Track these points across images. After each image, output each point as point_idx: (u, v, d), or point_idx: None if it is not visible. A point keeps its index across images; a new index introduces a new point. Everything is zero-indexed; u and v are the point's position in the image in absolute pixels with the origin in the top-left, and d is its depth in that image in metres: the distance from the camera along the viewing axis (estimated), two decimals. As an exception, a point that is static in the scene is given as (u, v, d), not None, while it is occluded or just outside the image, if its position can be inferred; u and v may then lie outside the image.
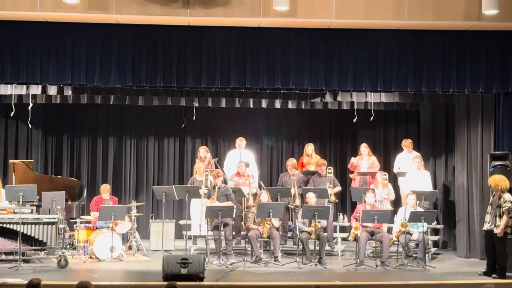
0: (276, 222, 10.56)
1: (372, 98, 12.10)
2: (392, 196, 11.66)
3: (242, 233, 11.44)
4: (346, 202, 13.37)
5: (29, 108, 12.06)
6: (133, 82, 10.31)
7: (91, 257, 10.47)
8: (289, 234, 11.85)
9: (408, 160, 12.07)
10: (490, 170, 10.54)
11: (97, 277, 9.12)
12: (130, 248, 11.08)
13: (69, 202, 11.49)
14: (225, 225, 10.43)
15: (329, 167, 11.87)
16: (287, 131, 13.98)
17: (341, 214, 12.01)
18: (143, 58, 10.31)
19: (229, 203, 10.54)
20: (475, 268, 10.09)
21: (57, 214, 10.28)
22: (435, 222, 11.49)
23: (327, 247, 10.94)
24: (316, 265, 10.20)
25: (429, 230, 10.82)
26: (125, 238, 11.20)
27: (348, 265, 10.26)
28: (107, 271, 9.69)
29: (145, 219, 12.55)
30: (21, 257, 9.77)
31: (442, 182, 12.61)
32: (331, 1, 9.93)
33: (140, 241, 11.33)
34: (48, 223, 10.20)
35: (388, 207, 11.28)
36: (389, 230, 11.07)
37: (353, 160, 12.35)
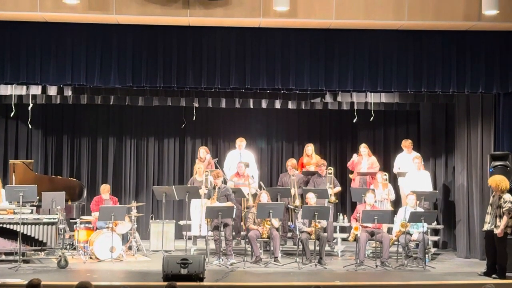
0: (276, 223, 10.56)
1: (372, 98, 12.10)
2: (392, 196, 11.66)
3: (242, 233, 11.44)
4: (346, 203, 13.36)
5: (29, 108, 12.07)
6: (133, 82, 10.31)
7: (91, 258, 10.47)
8: (289, 234, 11.85)
9: (408, 160, 12.07)
10: (490, 170, 10.54)
11: (97, 278, 9.12)
12: (130, 248, 11.07)
13: (69, 203, 11.48)
14: (225, 225, 10.43)
15: (330, 167, 11.87)
16: (287, 132, 13.98)
17: (341, 214, 12.01)
18: (143, 59, 10.31)
19: (229, 204, 10.54)
20: (475, 269, 10.09)
21: (57, 214, 10.28)
22: (435, 223, 11.50)
23: (327, 248, 10.94)
24: (316, 265, 10.20)
25: (429, 230, 10.81)
26: (125, 238, 11.20)
27: (348, 265, 10.26)
28: (107, 271, 9.69)
29: (145, 219, 12.55)
30: (21, 257, 9.77)
31: (442, 183, 12.62)
32: (331, 1, 9.93)
33: (140, 241, 11.33)
34: (48, 224, 10.21)
35: (388, 207, 11.28)
36: (389, 231, 11.07)
37: (354, 158, 12.33)
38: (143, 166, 13.69)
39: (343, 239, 11.60)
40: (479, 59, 10.53)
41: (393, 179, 12.29)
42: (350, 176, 12.49)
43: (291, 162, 11.92)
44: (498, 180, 9.57)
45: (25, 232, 10.04)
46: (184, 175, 13.58)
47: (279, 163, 13.83)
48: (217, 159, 12.56)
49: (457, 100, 11.75)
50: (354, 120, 12.73)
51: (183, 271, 8.81)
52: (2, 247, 10.14)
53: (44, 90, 11.56)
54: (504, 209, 9.39)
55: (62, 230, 10.37)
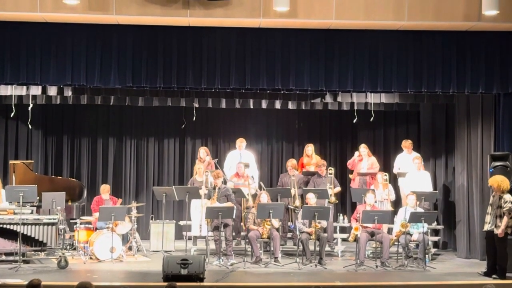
0: (276, 223, 10.56)
1: (372, 98, 12.10)
2: (393, 196, 11.67)
3: (242, 233, 11.44)
4: (346, 203, 13.36)
5: (29, 108, 12.07)
6: (133, 82, 10.31)
7: (91, 258, 10.47)
8: (289, 234, 11.85)
9: (408, 160, 12.07)
10: (490, 170, 10.54)
11: (97, 278, 9.12)
12: (130, 248, 11.07)
13: (69, 203, 11.48)
14: (225, 225, 10.43)
15: (330, 167, 11.87)
16: (287, 132, 13.97)
17: (341, 214, 12.00)
18: (143, 59, 10.31)
19: (229, 204, 10.54)
20: (475, 269, 10.09)
21: (57, 214, 10.28)
22: (435, 223, 11.50)
23: (327, 248, 10.94)
24: (316, 265, 10.19)
25: (429, 230, 10.80)
26: (125, 238, 11.20)
27: (348, 265, 10.26)
28: (107, 271, 9.69)
29: (145, 219, 12.55)
30: (21, 257, 9.77)
31: (442, 183, 12.61)
32: (331, 1, 9.93)
33: (140, 241, 11.33)
34: (48, 224, 10.20)
35: (388, 207, 11.28)
36: (389, 231, 11.07)
37: (355, 156, 12.32)
38: (143, 167, 13.69)
39: (343, 240, 11.60)
40: (479, 59, 10.53)
41: (393, 180, 12.29)
42: (350, 176, 12.49)
43: (291, 162, 11.93)
44: (499, 181, 9.58)
45: (25, 233, 10.03)
46: (184, 175, 13.58)
47: (279, 164, 13.83)
48: (217, 159, 12.56)
49: (457, 101, 11.76)
50: (354, 121, 12.73)
51: (183, 272, 8.80)
52: (2, 247, 10.14)
53: (44, 91, 11.57)
54: (504, 209, 9.39)
55: (62, 231, 10.37)
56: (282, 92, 10.99)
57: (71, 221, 11.43)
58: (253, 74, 10.43)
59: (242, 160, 12.02)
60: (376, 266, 10.17)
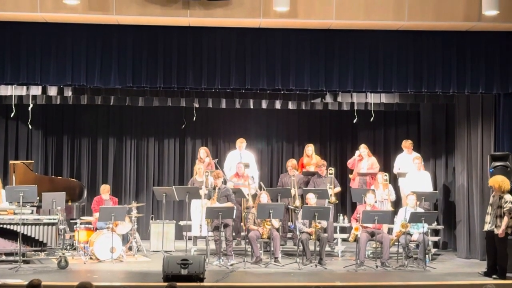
0: (276, 223, 10.56)
1: (372, 98, 12.10)
2: (393, 197, 11.67)
3: (242, 234, 11.44)
4: (346, 203, 13.36)
5: (29, 109, 12.07)
6: (133, 82, 10.31)
7: (91, 258, 10.47)
8: (289, 235, 11.85)
9: (408, 160, 12.07)
10: (490, 171, 10.54)
11: (97, 278, 9.12)
12: (130, 249, 11.07)
13: (69, 203, 11.48)
14: (225, 226, 10.43)
15: (330, 167, 11.87)
16: (287, 132, 13.98)
17: (341, 215, 12.00)
18: (143, 59, 10.31)
19: (229, 204, 10.54)
20: (476, 269, 10.10)
21: (57, 215, 10.28)
22: (435, 223, 11.50)
23: (327, 248, 10.94)
24: (316, 265, 10.19)
25: (429, 230, 10.80)
26: (125, 239, 11.20)
27: (349, 265, 10.26)
28: (107, 271, 9.69)
29: (145, 220, 12.54)
30: (21, 258, 9.77)
31: (442, 183, 12.61)
32: (331, 1, 9.93)
33: (140, 242, 11.33)
34: (48, 224, 10.20)
35: (389, 207, 11.28)
36: (390, 231, 11.07)
37: (356, 156, 12.31)
38: (143, 167, 13.69)
39: (343, 240, 11.60)
40: (479, 59, 10.53)
41: (393, 180, 12.29)
42: (350, 176, 12.49)
43: (291, 162, 11.93)
44: (500, 181, 9.58)
45: (25, 233, 10.04)
46: (184, 175, 13.58)
47: (279, 164, 13.83)
48: (217, 159, 12.56)
49: (457, 101, 11.76)
50: (354, 121, 12.72)
51: (183, 272, 8.80)
52: (3, 247, 10.14)
53: (44, 91, 11.57)
54: (505, 209, 9.39)
55: (63, 231, 10.37)
56: (282, 92, 10.99)
57: (71, 221, 11.43)
58: (253, 74, 10.43)
59: (242, 160, 12.02)
60: (376, 266, 10.17)
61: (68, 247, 11.04)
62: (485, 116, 11.19)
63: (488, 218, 9.69)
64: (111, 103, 12.27)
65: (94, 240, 10.46)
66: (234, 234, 11.19)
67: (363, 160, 12.22)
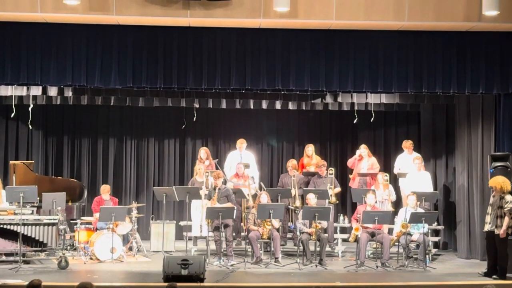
0: (276, 223, 10.56)
1: (373, 99, 12.10)
2: (393, 197, 11.66)
3: (242, 234, 11.43)
4: (346, 203, 13.36)
5: (30, 109, 12.07)
6: (133, 83, 10.31)
7: (91, 258, 10.47)
8: (290, 235, 11.85)
9: (409, 161, 12.07)
10: (491, 171, 10.54)
11: (98, 278, 9.12)
12: (130, 249, 11.07)
13: (70, 203, 11.48)
14: (226, 226, 10.43)
15: (330, 168, 11.87)
16: (287, 132, 13.98)
17: (341, 215, 12.00)
18: (144, 59, 10.31)
19: (229, 204, 10.54)
20: (476, 269, 10.09)
21: (57, 215, 10.28)
22: (436, 223, 11.49)
23: (327, 248, 10.94)
24: (316, 266, 10.19)
25: (429, 231, 10.80)
26: (125, 239, 11.20)
27: (349, 266, 10.26)
28: (107, 272, 9.69)
29: (146, 220, 12.55)
30: (21, 258, 9.77)
31: (443, 183, 12.61)
32: (332, 2, 9.93)
33: (140, 242, 11.33)
34: (48, 224, 10.21)
35: (389, 208, 11.27)
36: (390, 231, 11.07)
37: (356, 156, 12.30)
38: (143, 167, 13.69)
39: (344, 240, 11.59)
40: (480, 59, 10.54)
41: (394, 180, 12.29)
42: (350, 176, 12.48)
43: (292, 162, 11.93)
44: (501, 182, 9.58)
45: (25, 233, 10.04)
46: (184, 175, 13.58)
47: (279, 164, 13.84)
48: (217, 159, 12.56)
49: (457, 101, 11.76)
50: (355, 121, 12.72)
51: (184, 272, 8.80)
52: (3, 248, 10.14)
53: (44, 91, 11.56)
54: (505, 209, 9.40)
55: (63, 231, 10.37)
56: (283, 92, 10.99)
57: (71, 221, 11.43)
58: (254, 75, 10.43)
59: (243, 161, 12.02)
60: (377, 267, 10.16)
61: (69, 247, 11.05)
62: (485, 116, 11.19)
63: (488, 218, 9.69)
64: (112, 104, 12.28)
65: (95, 240, 10.46)
66: (234, 234, 11.19)
67: (363, 160, 12.22)
